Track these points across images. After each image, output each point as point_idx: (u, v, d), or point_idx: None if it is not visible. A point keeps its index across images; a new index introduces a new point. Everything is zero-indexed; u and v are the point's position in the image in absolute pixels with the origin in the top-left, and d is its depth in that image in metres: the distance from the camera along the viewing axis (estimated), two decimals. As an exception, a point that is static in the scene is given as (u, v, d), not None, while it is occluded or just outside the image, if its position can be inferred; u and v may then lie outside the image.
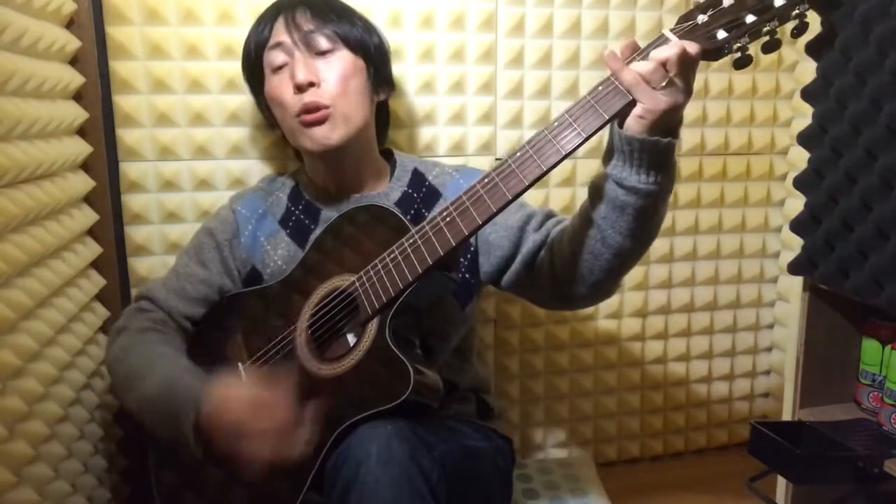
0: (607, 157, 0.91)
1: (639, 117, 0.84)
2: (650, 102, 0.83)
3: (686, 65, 0.82)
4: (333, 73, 1.07)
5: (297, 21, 1.08)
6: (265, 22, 1.11)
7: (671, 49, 0.82)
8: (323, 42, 1.08)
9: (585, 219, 0.96)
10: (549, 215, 1.11)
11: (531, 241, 1.08)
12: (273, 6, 1.13)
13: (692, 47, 0.82)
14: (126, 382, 1.02)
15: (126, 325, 1.09)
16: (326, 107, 1.06)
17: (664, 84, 0.82)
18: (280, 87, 1.09)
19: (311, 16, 1.09)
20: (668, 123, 0.86)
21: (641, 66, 0.83)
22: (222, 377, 0.96)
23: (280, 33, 1.09)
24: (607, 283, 1.01)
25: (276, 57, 1.09)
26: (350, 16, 1.12)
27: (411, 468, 0.83)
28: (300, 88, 1.06)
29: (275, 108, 1.12)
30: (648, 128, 0.85)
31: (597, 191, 0.94)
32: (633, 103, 0.84)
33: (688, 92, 0.84)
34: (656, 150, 0.86)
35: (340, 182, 1.15)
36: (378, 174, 1.19)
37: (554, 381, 1.60)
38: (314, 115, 1.06)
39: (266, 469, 0.87)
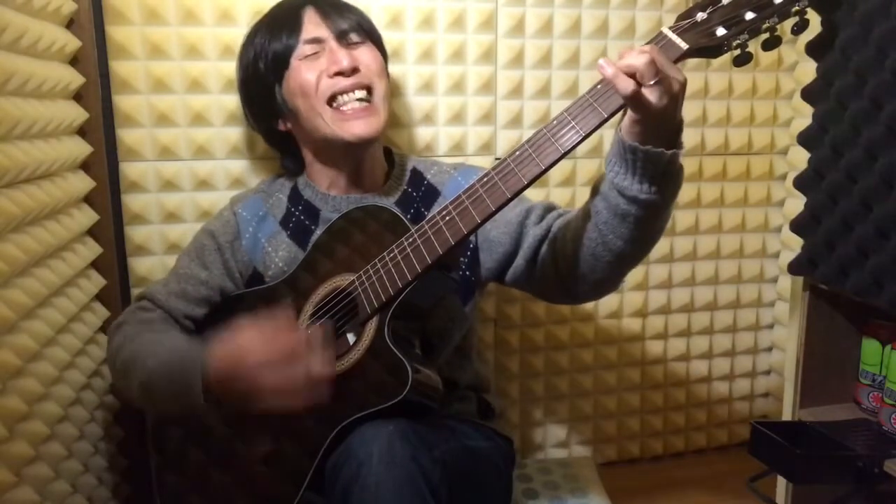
0: (610, 159, 0.91)
1: (633, 122, 0.84)
2: (640, 111, 0.82)
3: (655, 67, 0.80)
4: (368, 57, 1.10)
5: (326, 14, 1.09)
6: (289, 19, 1.09)
7: (640, 57, 0.80)
8: (354, 35, 1.10)
9: (587, 221, 0.96)
10: (550, 208, 1.11)
11: (532, 235, 1.08)
12: (290, 5, 1.12)
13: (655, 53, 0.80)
14: (129, 366, 1.01)
15: (126, 319, 1.10)
16: (370, 87, 1.08)
17: (652, 83, 0.80)
18: (309, 73, 1.07)
19: (337, 10, 1.10)
20: (665, 129, 0.85)
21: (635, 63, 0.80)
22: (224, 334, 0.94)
23: (311, 29, 1.08)
24: (610, 281, 1.02)
25: (305, 49, 1.08)
26: (363, 13, 1.15)
27: (413, 469, 0.83)
28: (344, 74, 1.06)
29: (299, 100, 1.08)
30: (645, 134, 0.84)
31: (599, 195, 0.93)
32: None
33: (669, 95, 0.80)
34: (660, 162, 0.85)
35: (349, 181, 1.15)
36: (379, 173, 1.19)
37: (554, 381, 1.60)
38: (365, 107, 1.07)
39: (287, 398, 0.86)
